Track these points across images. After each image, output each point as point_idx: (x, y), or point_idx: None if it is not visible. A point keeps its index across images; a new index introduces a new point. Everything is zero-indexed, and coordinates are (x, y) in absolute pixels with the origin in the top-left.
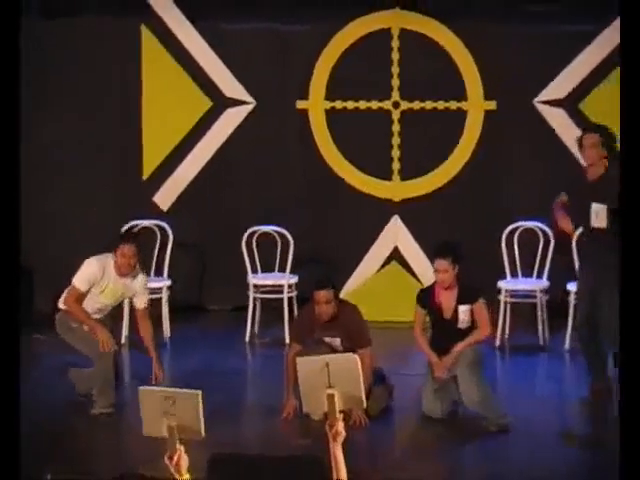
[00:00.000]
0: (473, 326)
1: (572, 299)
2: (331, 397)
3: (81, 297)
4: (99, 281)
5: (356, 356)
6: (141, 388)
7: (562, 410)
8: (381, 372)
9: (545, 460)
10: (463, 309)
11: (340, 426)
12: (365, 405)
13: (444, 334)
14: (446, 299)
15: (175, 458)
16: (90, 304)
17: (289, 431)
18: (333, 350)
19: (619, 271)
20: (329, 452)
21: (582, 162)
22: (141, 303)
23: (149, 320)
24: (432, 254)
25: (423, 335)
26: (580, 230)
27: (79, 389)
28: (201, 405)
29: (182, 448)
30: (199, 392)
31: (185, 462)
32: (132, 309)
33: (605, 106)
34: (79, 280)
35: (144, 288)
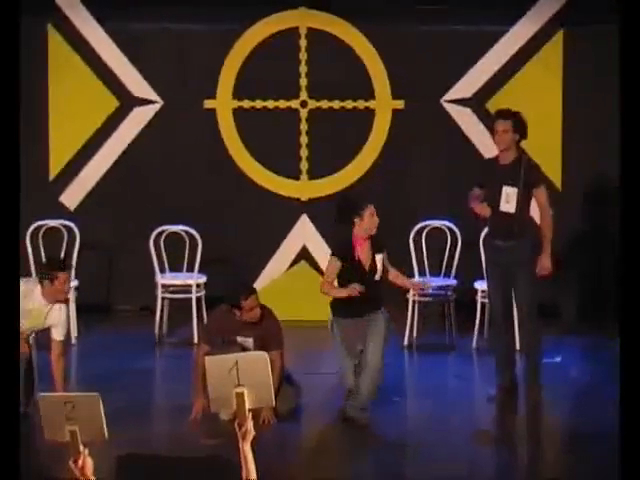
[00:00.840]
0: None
1: (479, 297)
2: (240, 396)
3: None
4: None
5: (265, 354)
6: (40, 395)
7: (469, 409)
8: (288, 372)
9: (452, 458)
10: (379, 258)
11: (249, 425)
12: (274, 404)
13: (365, 287)
14: (363, 251)
15: (79, 462)
16: None
17: (198, 431)
18: (244, 350)
19: (532, 261)
20: (238, 452)
21: (495, 148)
22: (60, 335)
23: (64, 358)
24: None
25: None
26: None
27: None
28: (102, 407)
29: (86, 451)
30: (97, 394)
31: (90, 465)
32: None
33: (512, 105)
34: None
35: (65, 319)
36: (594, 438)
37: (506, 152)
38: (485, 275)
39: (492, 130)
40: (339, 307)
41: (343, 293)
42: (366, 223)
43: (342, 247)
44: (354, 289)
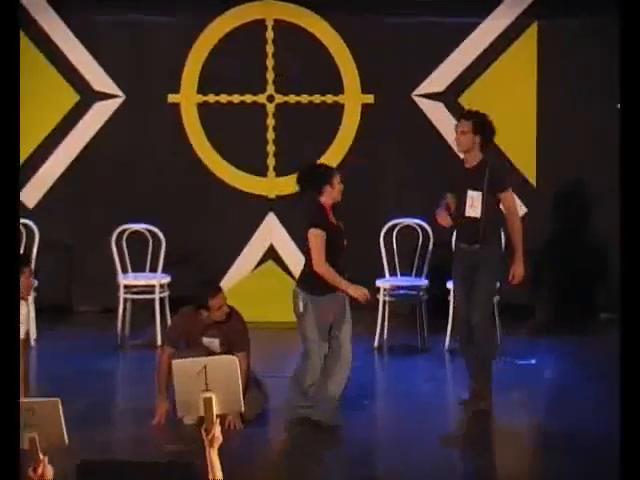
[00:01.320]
0: None
1: (452, 298)
2: (208, 401)
3: None
4: None
5: (235, 358)
6: None
7: (440, 413)
8: (254, 375)
9: (422, 462)
10: (341, 224)
11: (217, 431)
12: (243, 409)
13: (338, 256)
14: (332, 218)
15: (39, 470)
16: None
17: (161, 436)
18: (210, 352)
19: (496, 267)
20: (202, 457)
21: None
22: (21, 333)
23: (24, 358)
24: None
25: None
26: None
27: None
28: (62, 412)
29: (46, 459)
30: (58, 399)
31: (50, 473)
32: None
33: (485, 99)
34: None
35: (25, 316)
36: (569, 440)
37: (468, 155)
38: (452, 277)
39: (455, 130)
40: (315, 283)
41: (348, 289)
42: (336, 191)
43: (319, 217)
44: (363, 294)
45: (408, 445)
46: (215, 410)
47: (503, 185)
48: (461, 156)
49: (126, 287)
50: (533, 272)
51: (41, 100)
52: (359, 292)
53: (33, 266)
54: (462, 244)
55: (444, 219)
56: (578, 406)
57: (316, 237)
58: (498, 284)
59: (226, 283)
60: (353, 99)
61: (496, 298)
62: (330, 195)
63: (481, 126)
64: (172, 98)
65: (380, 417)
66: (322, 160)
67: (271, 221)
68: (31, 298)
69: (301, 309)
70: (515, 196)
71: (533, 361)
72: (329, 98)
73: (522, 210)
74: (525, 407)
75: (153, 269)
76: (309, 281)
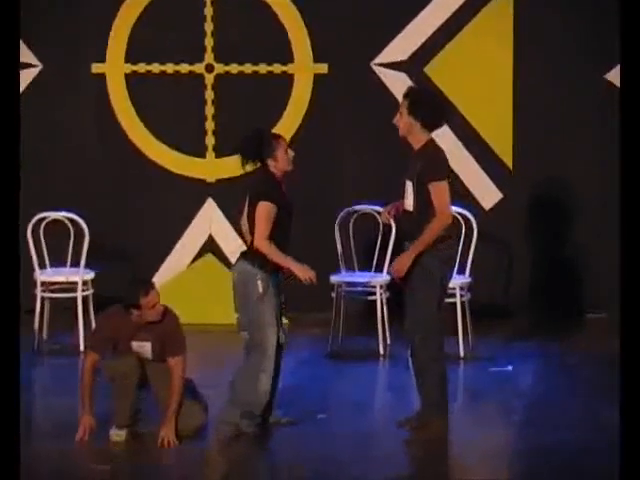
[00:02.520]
0: None
1: None
2: None
3: None
4: None
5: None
6: None
7: (392, 426)
8: (192, 385)
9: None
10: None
11: None
12: (174, 423)
13: (287, 236)
14: (285, 191)
15: None
16: None
17: (85, 454)
18: (139, 358)
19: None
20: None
21: None
22: None
23: None
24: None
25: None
26: None
27: None
28: None
29: None
30: None
31: None
32: None
33: (454, 70)
34: None
35: None
36: (549, 459)
37: (410, 138)
38: None
39: None
40: (272, 262)
41: (294, 267)
42: (281, 163)
43: (271, 188)
44: (310, 276)
45: (366, 463)
46: None
47: (433, 174)
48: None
49: (44, 284)
50: (509, 267)
51: None
52: (307, 273)
53: None
54: (405, 242)
55: (384, 215)
56: (561, 419)
57: (267, 210)
58: (466, 280)
59: (159, 279)
60: (304, 69)
61: (467, 297)
62: (276, 168)
63: (418, 105)
64: (96, 68)
65: (337, 432)
66: None
67: (210, 208)
68: None
69: (261, 290)
70: (446, 191)
71: (509, 367)
72: (277, 68)
73: (497, 196)
74: (499, 420)
75: (75, 264)
76: (264, 259)
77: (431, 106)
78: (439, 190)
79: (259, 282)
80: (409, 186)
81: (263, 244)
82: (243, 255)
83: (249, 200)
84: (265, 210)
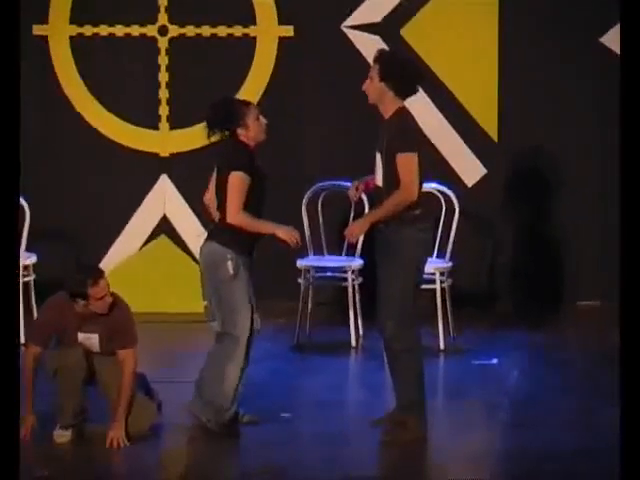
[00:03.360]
0: None
1: None
2: None
3: None
4: None
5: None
6: None
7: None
8: (145, 380)
9: None
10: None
11: None
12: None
13: (261, 209)
14: (257, 162)
15: None
16: None
17: (27, 457)
18: (87, 351)
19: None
20: None
21: None
22: None
23: None
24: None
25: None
26: None
27: None
28: None
29: None
30: None
31: None
32: None
33: (434, 32)
34: None
35: None
36: (538, 463)
37: (380, 107)
38: None
39: None
40: (243, 240)
41: (276, 231)
42: (253, 131)
43: (244, 158)
44: (295, 237)
45: (333, 465)
46: None
47: (401, 145)
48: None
49: None
50: (493, 250)
51: None
52: (291, 235)
53: None
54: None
55: (351, 191)
56: (551, 418)
57: (240, 181)
58: (447, 264)
59: (108, 264)
60: (268, 31)
61: (447, 283)
62: (247, 137)
63: (390, 70)
64: (38, 29)
65: (301, 435)
66: None
67: (164, 185)
68: None
69: (231, 271)
70: (413, 163)
71: (494, 360)
72: (237, 30)
73: (480, 172)
74: (483, 420)
75: None
76: (234, 237)
77: (404, 71)
78: (406, 162)
79: (229, 262)
80: (378, 159)
81: (238, 217)
82: (211, 234)
83: (218, 172)
84: (237, 181)
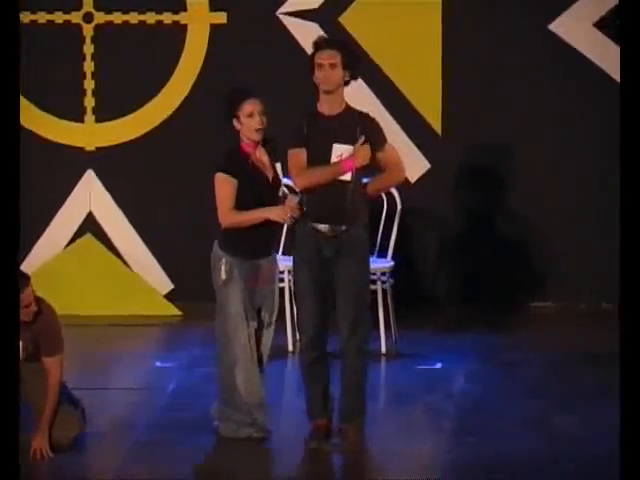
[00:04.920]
0: None
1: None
2: None
3: None
4: None
5: None
6: None
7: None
8: (67, 388)
9: None
10: (278, 166)
11: None
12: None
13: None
14: (260, 160)
15: None
16: None
17: None
18: None
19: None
20: None
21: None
22: None
23: None
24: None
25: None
26: None
27: None
28: None
29: None
30: None
31: None
32: None
33: (373, 19)
34: None
35: None
36: (489, 468)
37: (333, 96)
38: (295, 271)
39: (317, 63)
40: (241, 242)
41: (267, 214)
42: (245, 127)
43: (230, 158)
44: (286, 211)
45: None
46: None
47: (384, 135)
48: (324, 97)
49: None
50: (438, 248)
51: None
52: (285, 212)
53: None
54: (319, 224)
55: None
56: (501, 426)
57: (221, 184)
58: (389, 263)
59: (30, 264)
60: (199, 18)
61: (389, 283)
62: (242, 132)
63: (352, 59)
64: None
65: (232, 443)
66: (159, 98)
67: (90, 181)
68: None
69: (224, 276)
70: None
71: (438, 365)
72: (167, 17)
73: (424, 166)
74: (427, 428)
75: None
76: (229, 239)
77: (358, 62)
78: (393, 148)
79: (222, 266)
80: (346, 150)
81: (226, 219)
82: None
83: None
84: (218, 182)
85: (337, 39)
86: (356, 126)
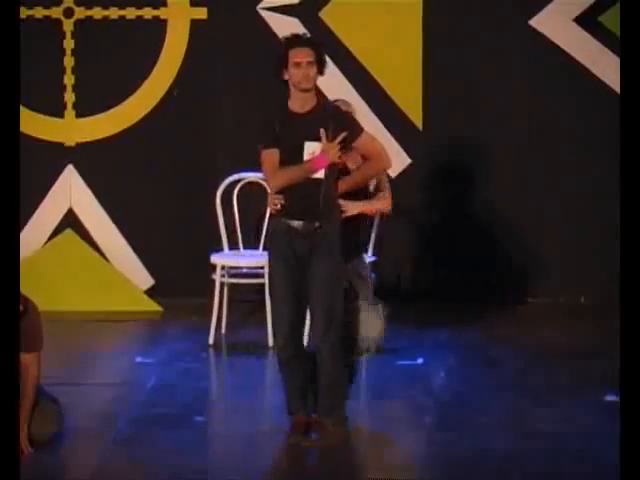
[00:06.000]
0: None
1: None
2: None
3: None
4: None
5: None
6: None
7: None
8: (40, 385)
9: None
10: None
11: None
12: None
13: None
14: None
15: None
16: None
17: None
18: None
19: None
20: None
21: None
22: None
23: None
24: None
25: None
26: None
27: None
28: None
29: None
30: None
31: None
32: None
33: (355, 13)
34: None
35: None
36: (469, 465)
37: (307, 94)
38: (269, 268)
39: (292, 61)
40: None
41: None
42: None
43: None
44: (333, 151)
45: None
46: None
47: (359, 125)
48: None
49: None
50: (419, 243)
51: None
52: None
53: None
54: (293, 221)
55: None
56: (482, 423)
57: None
58: (369, 259)
59: None
60: (179, 14)
61: (372, 277)
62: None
63: (322, 54)
64: None
65: (214, 439)
66: (139, 93)
67: (70, 177)
68: None
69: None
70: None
71: (419, 360)
72: (147, 12)
73: (404, 162)
74: (408, 423)
75: None
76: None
77: (325, 56)
78: (368, 136)
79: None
80: (313, 147)
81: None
82: None
83: None
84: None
85: (308, 36)
86: (328, 122)
